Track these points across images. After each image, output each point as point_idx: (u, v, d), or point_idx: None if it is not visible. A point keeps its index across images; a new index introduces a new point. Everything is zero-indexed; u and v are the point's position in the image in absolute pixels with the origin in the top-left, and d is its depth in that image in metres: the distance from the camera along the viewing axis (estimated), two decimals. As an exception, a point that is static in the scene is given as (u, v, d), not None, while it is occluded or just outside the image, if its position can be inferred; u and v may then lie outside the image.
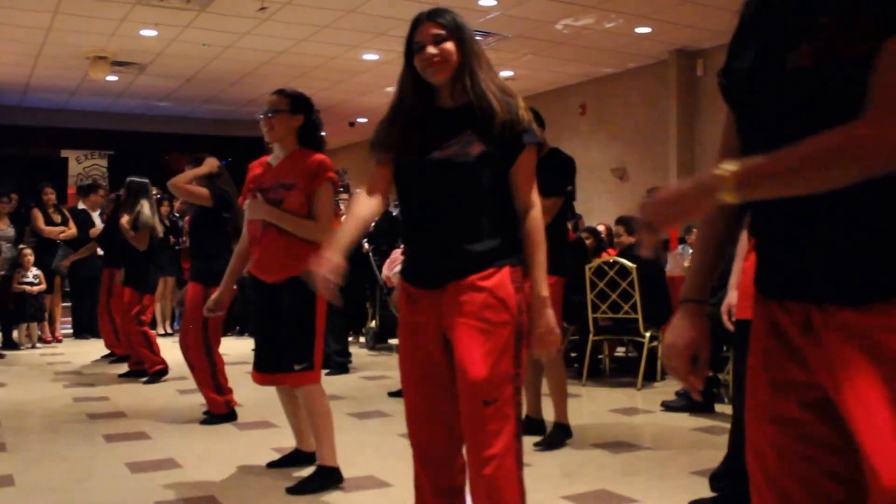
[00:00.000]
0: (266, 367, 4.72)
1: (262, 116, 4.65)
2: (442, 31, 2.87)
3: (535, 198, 2.86)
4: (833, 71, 1.57)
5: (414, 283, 2.93)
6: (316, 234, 4.43)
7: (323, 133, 4.79)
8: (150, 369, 8.30)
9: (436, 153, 2.83)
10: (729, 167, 1.57)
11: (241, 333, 12.06)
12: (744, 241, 4.07)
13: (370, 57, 13.00)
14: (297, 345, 4.55)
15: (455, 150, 2.81)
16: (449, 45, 2.85)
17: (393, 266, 9.21)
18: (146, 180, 8.59)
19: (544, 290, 2.80)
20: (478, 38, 3.01)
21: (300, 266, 4.38)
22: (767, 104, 1.70)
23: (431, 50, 2.85)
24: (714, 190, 1.59)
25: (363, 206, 2.95)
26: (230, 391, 6.52)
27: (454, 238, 2.82)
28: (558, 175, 5.34)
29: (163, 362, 8.30)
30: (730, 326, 4.17)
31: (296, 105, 4.67)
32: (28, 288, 11.02)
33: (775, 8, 1.74)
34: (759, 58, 1.72)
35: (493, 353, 2.75)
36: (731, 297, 4.19)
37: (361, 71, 13.90)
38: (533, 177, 2.89)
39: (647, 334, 7.62)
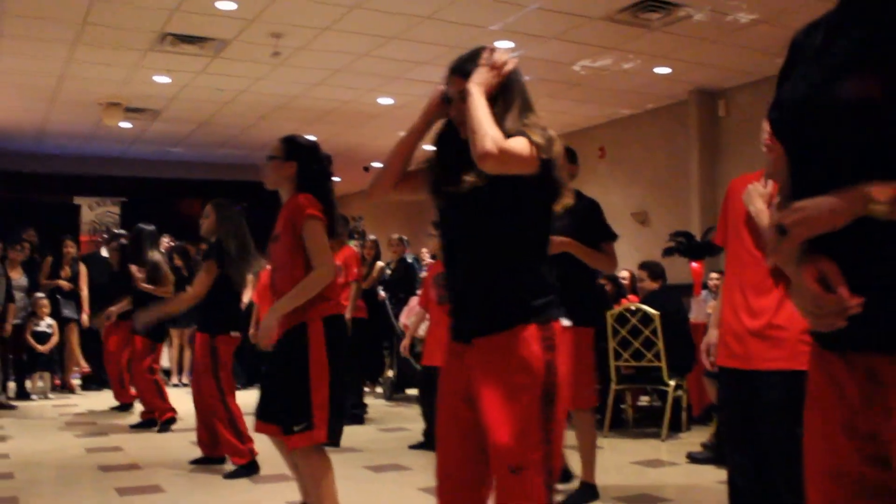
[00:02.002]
0: (259, 415, 4.49)
1: None
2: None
3: None
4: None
5: (451, 333, 2.85)
6: (314, 286, 4.21)
7: (330, 183, 4.56)
8: (160, 418, 8.22)
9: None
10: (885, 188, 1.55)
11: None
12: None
13: (385, 101, 12.95)
14: (291, 403, 4.23)
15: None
16: None
17: (411, 314, 9.06)
18: (153, 228, 8.55)
19: None
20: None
21: (293, 319, 4.25)
22: (820, 136, 1.67)
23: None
24: (866, 203, 1.56)
25: None
26: (251, 440, 6.36)
27: (481, 288, 2.75)
28: (599, 220, 5.37)
29: (172, 410, 8.21)
30: (707, 365, 4.12)
31: (289, 151, 4.47)
32: (38, 347, 10.92)
33: (834, 36, 1.70)
34: (812, 87, 1.68)
35: (518, 419, 2.61)
36: (712, 335, 4.09)
37: (376, 115, 13.85)
38: None
39: (672, 383, 7.47)
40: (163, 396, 8.22)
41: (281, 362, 4.30)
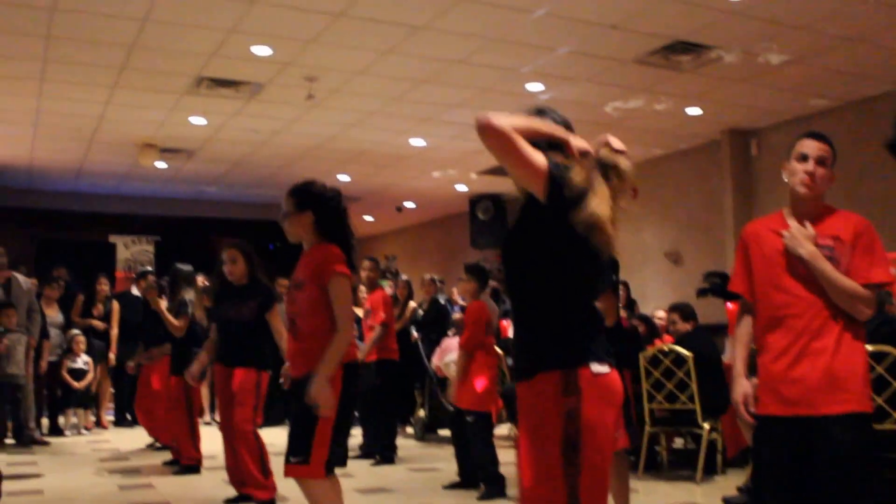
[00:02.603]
0: None
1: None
2: None
3: None
4: None
5: None
6: (341, 347, 4.22)
7: (346, 220, 4.59)
8: (182, 460, 8.18)
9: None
10: None
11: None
12: (745, 325, 3.89)
13: (417, 143, 13.02)
14: (295, 437, 4.30)
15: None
16: None
17: (444, 356, 9.00)
18: (190, 268, 8.64)
19: None
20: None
21: (316, 363, 4.26)
22: None
23: None
24: None
25: None
26: (272, 474, 6.39)
27: (518, 332, 2.87)
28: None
29: (197, 459, 8.16)
30: (748, 418, 3.84)
31: (301, 203, 4.52)
32: (74, 384, 11.02)
33: None
34: None
35: (536, 464, 2.67)
36: (745, 385, 3.86)
37: (409, 156, 13.92)
38: None
39: (706, 425, 7.38)
40: (194, 441, 8.17)
41: (299, 400, 4.32)
